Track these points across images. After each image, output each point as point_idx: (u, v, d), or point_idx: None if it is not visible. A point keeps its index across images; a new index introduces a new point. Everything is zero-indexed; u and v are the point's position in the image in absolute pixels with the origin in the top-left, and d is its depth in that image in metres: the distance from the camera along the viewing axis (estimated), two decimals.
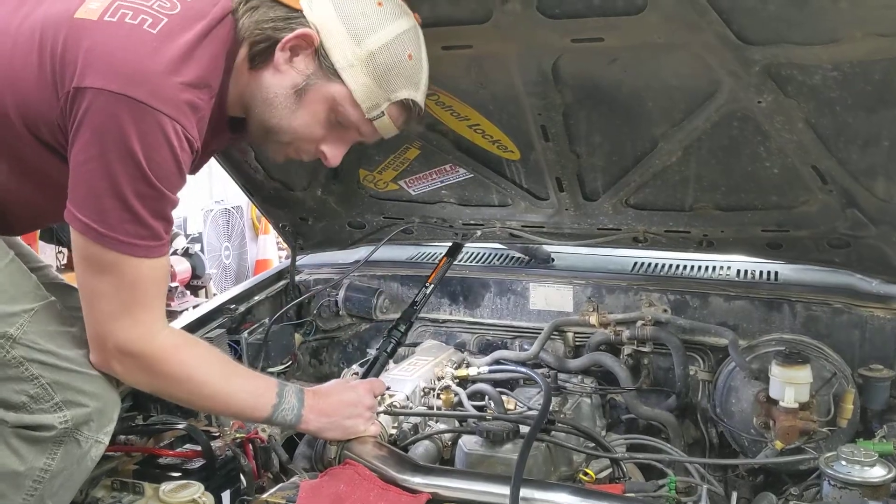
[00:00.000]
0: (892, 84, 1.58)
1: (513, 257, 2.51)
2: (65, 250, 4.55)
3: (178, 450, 1.71)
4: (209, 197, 6.56)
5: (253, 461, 1.80)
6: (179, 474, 1.65)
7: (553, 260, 2.45)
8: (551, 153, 1.98)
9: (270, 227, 6.97)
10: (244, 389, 1.52)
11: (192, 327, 2.25)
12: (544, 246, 2.41)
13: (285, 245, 6.85)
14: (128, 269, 1.35)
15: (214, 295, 5.54)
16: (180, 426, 1.75)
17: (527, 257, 2.47)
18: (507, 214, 2.23)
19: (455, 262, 2.53)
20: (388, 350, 1.92)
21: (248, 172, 2.29)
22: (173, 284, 5.43)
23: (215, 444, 1.75)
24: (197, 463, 1.70)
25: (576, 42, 1.65)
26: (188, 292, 5.59)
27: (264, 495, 1.57)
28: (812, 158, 1.80)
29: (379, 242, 2.39)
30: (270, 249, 6.74)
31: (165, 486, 1.58)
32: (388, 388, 1.90)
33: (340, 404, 1.62)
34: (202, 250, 6.00)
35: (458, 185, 2.19)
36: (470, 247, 2.58)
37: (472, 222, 2.30)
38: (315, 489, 1.46)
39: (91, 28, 1.31)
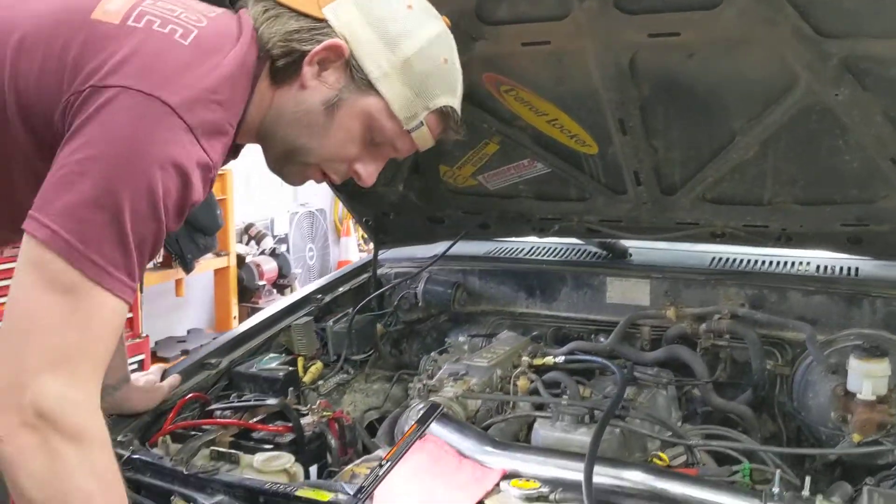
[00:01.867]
0: None
1: (589, 252, 2.55)
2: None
3: (271, 425, 1.82)
4: (294, 200, 6.78)
5: (338, 438, 1.91)
6: (271, 447, 1.76)
7: (630, 255, 2.48)
8: (629, 147, 2.02)
9: (352, 229, 7.18)
10: None
11: (280, 315, 2.37)
12: (621, 241, 2.45)
13: (366, 247, 7.04)
14: (89, 301, 1.07)
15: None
16: (273, 403, 1.86)
17: (603, 252, 2.51)
18: (584, 209, 2.28)
19: (532, 257, 2.61)
20: None
21: None
22: (261, 283, 5.64)
23: (304, 421, 1.85)
24: (287, 438, 1.80)
25: (653, 37, 1.69)
26: (275, 291, 5.79)
27: (350, 466, 1.67)
28: (891, 152, 1.80)
29: (457, 237, 2.48)
30: (352, 251, 6.92)
31: (259, 457, 1.69)
32: (463, 374, 1.97)
33: None
34: (288, 251, 6.21)
35: (536, 180, 2.25)
36: (547, 241, 2.63)
37: (549, 217, 2.35)
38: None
39: (115, 33, 1.16)
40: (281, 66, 1.26)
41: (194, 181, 1.14)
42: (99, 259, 1.07)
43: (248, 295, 5.59)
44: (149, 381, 1.87)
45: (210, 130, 1.16)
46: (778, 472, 1.51)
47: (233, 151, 1.37)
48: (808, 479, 1.50)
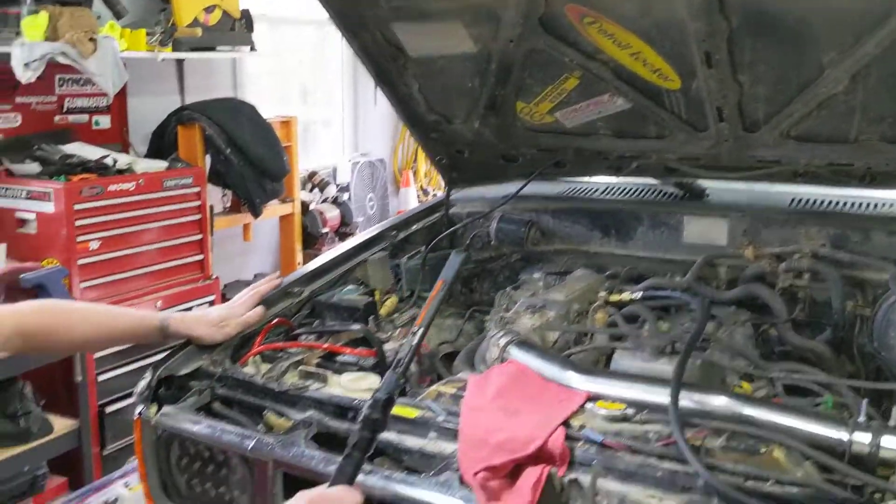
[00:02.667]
0: None
1: (665, 191, 2.53)
2: (229, 193, 4.87)
3: (356, 349, 1.88)
4: (355, 150, 6.83)
5: (418, 365, 1.96)
6: (356, 370, 1.82)
7: (707, 194, 2.45)
8: (713, 81, 1.99)
9: (411, 180, 7.22)
10: None
11: (357, 250, 2.42)
12: (698, 180, 2.42)
13: (424, 198, 7.07)
14: None
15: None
16: (357, 328, 1.92)
17: (680, 192, 2.49)
18: (663, 146, 2.26)
19: (606, 197, 2.60)
20: (363, 447, 1.34)
21: (412, 105, 2.42)
22: (324, 230, 5.73)
23: (386, 347, 1.91)
24: (370, 362, 1.86)
25: None
26: (337, 238, 5.87)
27: (434, 386, 1.71)
28: None
29: (531, 176, 2.49)
30: (411, 201, 6.96)
31: (346, 376, 1.75)
32: (541, 307, 1.99)
33: None
34: (349, 200, 6.28)
35: (615, 117, 2.23)
36: (621, 181, 2.62)
37: (627, 155, 2.34)
38: (481, 382, 1.58)
39: None
40: None
41: None
42: None
43: (311, 242, 5.69)
44: (220, 316, 1.91)
45: None
46: (865, 401, 1.51)
47: None
48: (894, 410, 1.49)
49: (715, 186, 2.46)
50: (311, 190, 5.91)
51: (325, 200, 5.92)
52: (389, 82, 2.34)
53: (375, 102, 6.70)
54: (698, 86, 2.03)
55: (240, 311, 1.92)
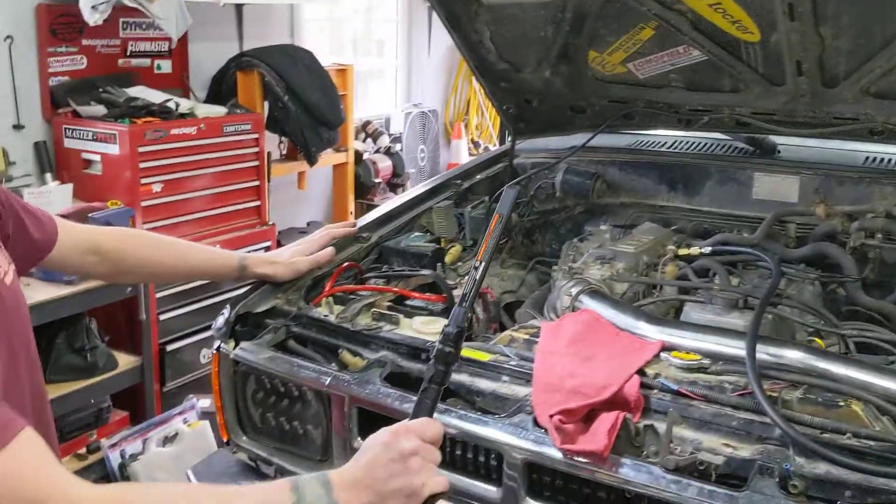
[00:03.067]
0: None
1: (736, 147, 2.50)
2: (286, 140, 4.91)
3: (425, 294, 1.91)
4: (407, 100, 6.82)
5: (484, 311, 1.98)
6: (426, 314, 1.85)
7: (779, 150, 2.42)
8: (795, 34, 1.95)
9: (462, 132, 7.20)
10: None
11: (422, 198, 2.44)
12: (770, 136, 2.38)
13: (476, 151, 7.05)
14: None
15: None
16: (427, 273, 1.94)
17: (751, 147, 2.45)
18: (737, 100, 2.23)
19: (675, 151, 2.58)
20: (439, 380, 1.32)
21: (481, 52, 2.41)
22: (377, 180, 5.76)
23: (454, 293, 1.93)
24: (439, 306, 1.89)
25: None
26: (388, 189, 5.90)
27: (506, 332, 1.74)
28: None
29: (599, 127, 2.47)
30: (462, 154, 6.95)
31: (417, 319, 1.78)
32: (610, 258, 2.00)
33: (377, 467, 1.16)
34: (402, 150, 6.28)
35: (689, 69, 2.20)
36: (688, 135, 2.59)
37: (699, 108, 2.31)
38: (555, 329, 1.60)
39: None
40: None
41: None
42: None
43: (364, 191, 5.72)
44: (292, 254, 1.94)
45: None
46: None
47: None
48: None
49: (787, 142, 2.43)
50: (364, 139, 5.93)
51: (377, 150, 5.93)
52: (460, 29, 2.33)
53: (429, 53, 6.66)
54: (778, 38, 1.99)
55: (311, 249, 1.95)
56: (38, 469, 1.01)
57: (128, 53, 4.22)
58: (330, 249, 1.99)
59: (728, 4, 1.97)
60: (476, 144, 7.30)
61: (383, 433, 1.22)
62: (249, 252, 1.85)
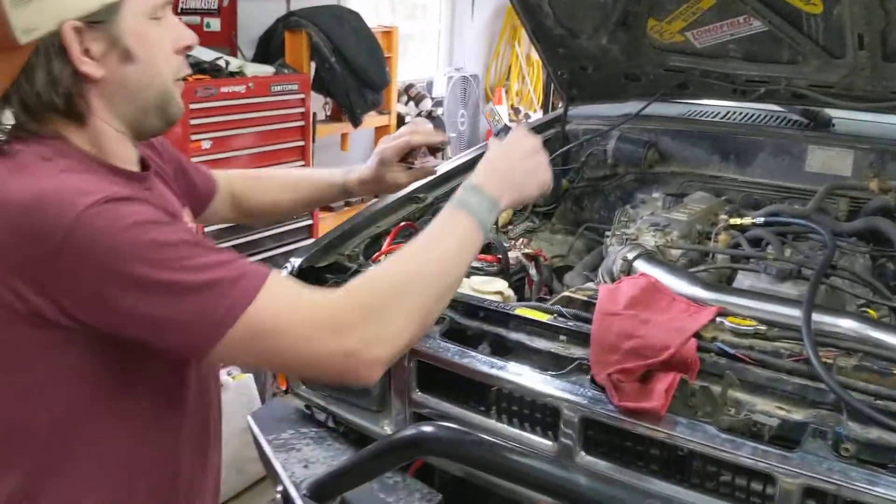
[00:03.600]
0: None
1: (789, 120, 2.50)
2: (330, 101, 4.96)
3: (482, 255, 1.96)
4: (449, 64, 6.82)
5: (538, 273, 2.03)
6: (483, 274, 1.90)
7: (833, 124, 2.42)
8: (858, 7, 1.95)
9: (503, 98, 7.19)
10: (445, 247, 1.19)
11: (476, 160, 2.47)
12: (825, 109, 2.38)
13: (516, 118, 7.03)
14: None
15: (450, 159, 5.87)
16: None
17: (805, 120, 2.46)
18: (794, 73, 2.23)
19: (728, 122, 2.58)
20: None
21: (539, 17, 2.42)
22: None
23: (509, 255, 1.98)
24: (494, 267, 1.94)
25: None
26: (429, 152, 5.92)
27: (564, 292, 1.79)
28: None
29: (654, 96, 2.48)
30: (503, 119, 6.94)
31: (475, 279, 1.83)
32: (665, 226, 2.03)
33: (515, 158, 1.32)
34: (443, 114, 6.30)
35: (748, 39, 2.20)
36: (742, 106, 2.60)
37: (755, 79, 2.31)
38: (613, 291, 1.64)
39: None
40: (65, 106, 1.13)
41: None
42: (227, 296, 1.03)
43: (405, 155, 5.75)
44: (375, 154, 1.83)
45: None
46: None
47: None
48: None
49: (842, 116, 2.42)
50: (406, 103, 5.96)
51: (419, 114, 5.96)
52: None
53: (473, 17, 6.64)
54: (841, 11, 1.99)
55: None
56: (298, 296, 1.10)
57: (178, 10, 4.27)
58: (431, 161, 1.93)
59: None
60: (516, 111, 7.30)
61: (511, 136, 1.36)
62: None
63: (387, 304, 1.11)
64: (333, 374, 1.12)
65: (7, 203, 1.06)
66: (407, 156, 1.80)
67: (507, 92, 7.26)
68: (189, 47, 1.23)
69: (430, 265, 1.16)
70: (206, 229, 3.57)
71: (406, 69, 6.28)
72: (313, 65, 4.67)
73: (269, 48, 4.65)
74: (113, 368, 1.12)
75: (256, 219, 1.90)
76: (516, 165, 1.32)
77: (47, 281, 1.03)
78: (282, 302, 1.07)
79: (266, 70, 4.28)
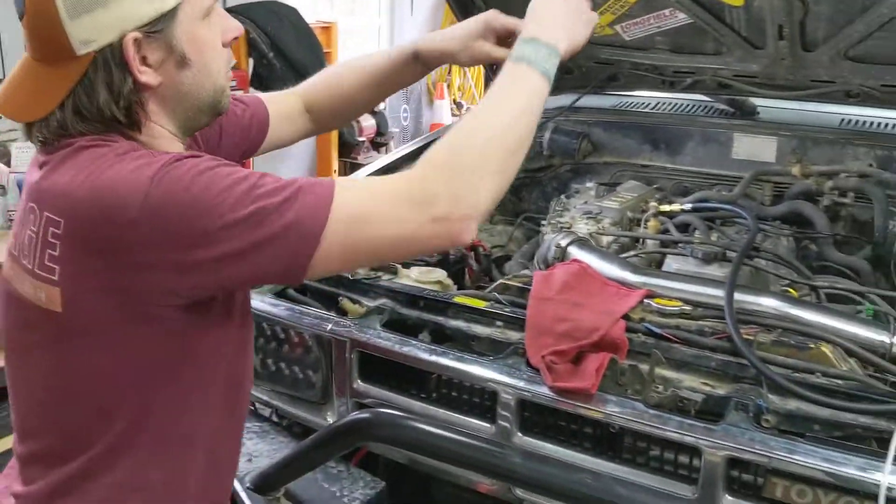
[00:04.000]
0: None
1: (716, 109, 2.59)
2: None
3: None
4: None
5: (477, 262, 2.07)
6: (423, 264, 1.94)
7: (758, 112, 2.51)
8: None
9: (445, 93, 7.23)
10: (514, 102, 1.20)
11: (412, 155, 2.50)
12: (750, 98, 2.47)
13: (458, 112, 7.08)
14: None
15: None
16: None
17: (731, 109, 2.54)
18: (719, 63, 2.31)
19: (657, 112, 2.66)
20: None
21: (472, 12, 2.45)
22: (361, 139, 5.79)
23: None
24: (434, 258, 1.98)
25: None
26: (371, 147, 5.94)
27: (500, 280, 1.83)
28: None
29: (586, 88, 2.54)
30: (445, 114, 6.99)
31: (415, 269, 1.86)
32: (597, 213, 2.09)
33: (558, 3, 1.33)
34: (385, 109, 6.31)
35: (675, 31, 2.27)
36: (673, 97, 2.67)
37: (683, 70, 2.39)
38: (546, 277, 1.68)
39: None
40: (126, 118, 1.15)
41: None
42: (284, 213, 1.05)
43: (347, 150, 5.77)
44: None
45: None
46: None
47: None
48: None
49: (766, 105, 2.52)
50: None
51: None
52: None
53: (412, 13, 6.66)
54: (762, 3, 2.07)
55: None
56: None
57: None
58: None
59: None
60: (459, 105, 7.35)
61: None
62: None
63: (466, 164, 1.12)
64: (431, 244, 1.14)
65: (73, 193, 1.07)
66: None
67: (448, 87, 7.30)
68: (236, 38, 1.24)
69: (503, 119, 1.17)
70: None
71: None
72: (251, 61, 4.64)
73: None
74: (187, 345, 1.15)
75: (342, 118, 1.81)
76: (561, 10, 1.32)
77: (129, 257, 1.05)
78: (360, 191, 1.10)
79: None
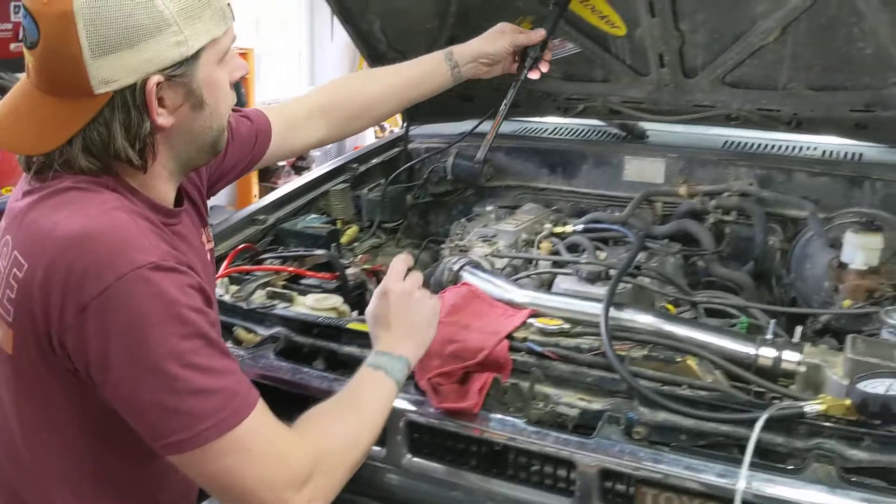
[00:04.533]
0: None
1: (609, 133, 2.70)
2: None
3: (319, 273, 2.02)
4: (310, 83, 6.85)
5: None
6: (320, 291, 1.97)
7: (647, 136, 2.63)
8: (656, 29, 2.14)
9: None
10: (373, 411, 1.33)
11: (320, 181, 2.55)
12: (640, 122, 2.59)
13: (381, 134, 7.12)
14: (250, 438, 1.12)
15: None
16: (321, 253, 2.06)
17: (623, 133, 2.66)
18: (608, 90, 2.42)
19: (555, 137, 2.76)
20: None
21: (373, 42, 2.52)
22: (281, 164, 5.79)
23: (348, 272, 2.05)
24: (333, 284, 2.01)
25: None
26: (293, 171, 5.94)
27: None
28: None
29: (486, 115, 2.62)
30: (368, 136, 7.01)
31: (310, 297, 1.90)
32: (492, 236, 2.16)
33: (401, 313, 1.44)
34: None
35: (565, 60, 2.35)
36: (569, 122, 2.78)
37: (574, 97, 2.49)
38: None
39: None
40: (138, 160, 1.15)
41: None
42: (207, 419, 1.08)
43: (268, 175, 5.75)
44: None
45: None
46: (772, 321, 1.71)
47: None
48: (797, 329, 1.70)
49: (655, 128, 2.64)
50: None
51: None
52: (352, 20, 2.44)
53: (332, 38, 6.70)
54: (642, 33, 2.18)
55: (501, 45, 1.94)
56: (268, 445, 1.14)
57: (20, 38, 4.13)
58: (541, 31, 1.99)
59: (596, 1, 2.15)
60: (382, 127, 7.38)
61: (376, 297, 1.48)
62: None
63: (333, 464, 1.21)
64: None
65: (45, 246, 1.07)
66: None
67: None
68: (242, 77, 1.27)
69: (364, 426, 1.30)
70: None
71: (267, 89, 6.27)
72: None
73: None
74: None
75: (360, 122, 1.88)
76: (413, 323, 1.45)
77: (69, 325, 1.05)
78: (263, 432, 1.13)
79: None
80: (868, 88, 2.11)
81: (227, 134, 1.28)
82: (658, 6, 2.07)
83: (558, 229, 2.23)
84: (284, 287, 1.97)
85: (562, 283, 1.94)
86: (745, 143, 2.55)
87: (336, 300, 1.88)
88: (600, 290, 1.87)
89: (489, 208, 2.47)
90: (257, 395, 1.17)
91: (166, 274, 1.08)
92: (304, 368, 1.68)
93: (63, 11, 1.05)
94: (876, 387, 1.35)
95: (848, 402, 1.35)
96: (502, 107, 2.00)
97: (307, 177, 2.57)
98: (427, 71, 1.85)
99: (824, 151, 2.44)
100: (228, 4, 1.21)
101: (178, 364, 1.06)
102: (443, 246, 2.29)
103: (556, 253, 2.12)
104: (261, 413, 1.15)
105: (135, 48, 1.07)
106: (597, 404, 1.49)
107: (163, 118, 1.13)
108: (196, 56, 1.13)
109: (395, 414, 1.54)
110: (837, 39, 2.01)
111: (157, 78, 1.10)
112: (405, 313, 1.44)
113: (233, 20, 1.22)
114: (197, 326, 1.09)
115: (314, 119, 1.73)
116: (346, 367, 1.70)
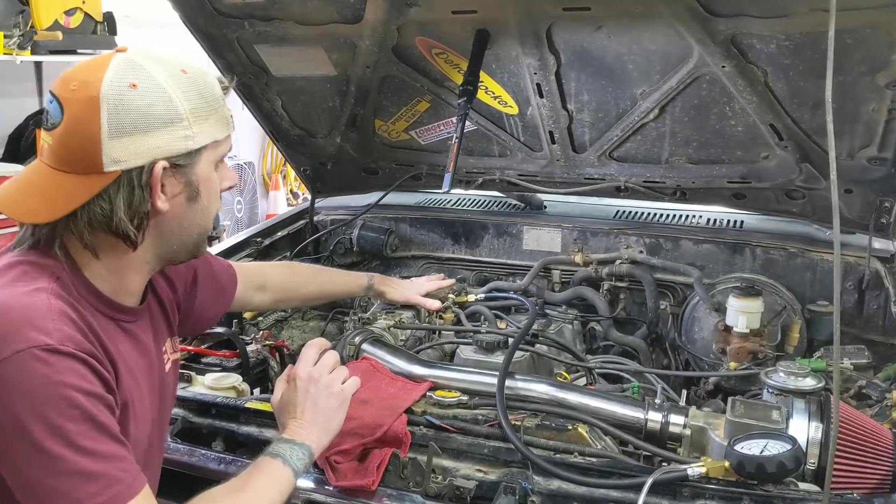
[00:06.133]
0: (836, 53, 1.85)
1: (509, 204, 2.80)
2: None
3: (219, 351, 2.01)
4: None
5: (280, 364, 2.11)
6: (220, 370, 1.96)
7: (545, 207, 2.74)
8: (545, 109, 2.26)
9: (280, 184, 7.28)
10: (264, 495, 1.34)
11: (224, 255, 2.54)
12: (538, 194, 2.70)
13: (294, 202, 7.13)
14: None
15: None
16: (221, 331, 2.05)
17: (522, 204, 2.76)
18: (505, 164, 2.52)
19: (457, 208, 2.84)
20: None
21: (275, 120, 2.57)
22: None
23: (248, 349, 2.05)
24: (233, 362, 2.00)
25: (566, 10, 1.93)
26: None
27: None
28: (770, 117, 2.08)
29: (390, 187, 2.69)
30: (280, 205, 7.02)
31: (210, 376, 1.88)
32: (396, 308, 2.20)
33: (306, 401, 1.46)
34: None
35: (465, 136, 2.46)
36: (472, 194, 2.87)
37: (474, 171, 2.58)
38: None
39: None
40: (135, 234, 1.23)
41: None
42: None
43: None
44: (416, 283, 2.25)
45: None
46: (661, 385, 1.79)
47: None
48: (683, 392, 1.79)
49: (552, 199, 2.75)
50: None
51: None
52: (253, 98, 2.49)
53: (243, 107, 6.72)
54: (533, 112, 2.30)
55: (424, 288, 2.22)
56: None
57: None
58: (450, 280, 2.31)
59: (489, 83, 2.26)
60: (295, 195, 7.41)
61: (282, 383, 1.52)
62: None
63: None
64: None
65: None
66: None
67: (284, 178, 7.36)
68: (231, 187, 1.38)
69: None
70: None
71: None
72: None
73: (19, 146, 4.47)
74: None
75: (286, 306, 2.30)
76: (320, 409, 1.46)
77: None
78: None
79: (14, 170, 4.11)
80: (742, 162, 2.27)
81: (206, 243, 1.38)
82: (545, 88, 2.20)
83: (460, 299, 2.29)
84: (184, 367, 1.95)
85: (463, 353, 1.98)
86: (635, 213, 2.68)
87: (235, 379, 1.87)
88: (499, 358, 1.92)
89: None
90: (144, 482, 1.18)
91: (61, 357, 1.12)
92: (200, 450, 1.66)
93: (90, 97, 1.16)
94: (752, 448, 1.43)
95: (727, 463, 1.42)
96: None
97: (234, 239, 2.58)
98: (350, 290, 2.20)
99: (708, 220, 2.59)
100: (231, 116, 1.33)
101: (62, 444, 1.09)
102: (345, 319, 2.31)
103: (458, 322, 2.17)
104: (144, 501, 1.16)
105: (148, 134, 1.19)
106: (493, 475, 1.52)
107: (161, 202, 1.23)
108: (199, 151, 1.24)
109: (295, 494, 1.54)
110: (711, 118, 2.17)
111: (163, 163, 1.20)
112: (311, 400, 1.46)
113: (233, 129, 1.34)
114: (85, 409, 1.12)
115: (266, 293, 1.93)
116: (246, 447, 1.70)
